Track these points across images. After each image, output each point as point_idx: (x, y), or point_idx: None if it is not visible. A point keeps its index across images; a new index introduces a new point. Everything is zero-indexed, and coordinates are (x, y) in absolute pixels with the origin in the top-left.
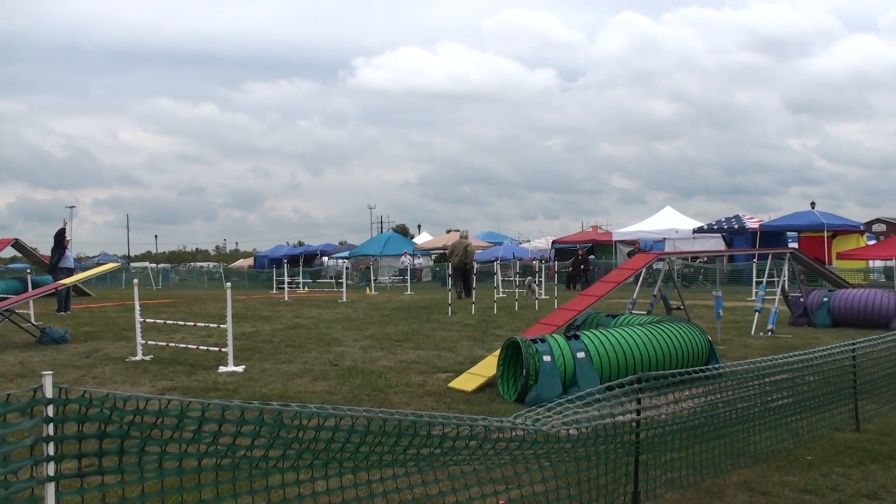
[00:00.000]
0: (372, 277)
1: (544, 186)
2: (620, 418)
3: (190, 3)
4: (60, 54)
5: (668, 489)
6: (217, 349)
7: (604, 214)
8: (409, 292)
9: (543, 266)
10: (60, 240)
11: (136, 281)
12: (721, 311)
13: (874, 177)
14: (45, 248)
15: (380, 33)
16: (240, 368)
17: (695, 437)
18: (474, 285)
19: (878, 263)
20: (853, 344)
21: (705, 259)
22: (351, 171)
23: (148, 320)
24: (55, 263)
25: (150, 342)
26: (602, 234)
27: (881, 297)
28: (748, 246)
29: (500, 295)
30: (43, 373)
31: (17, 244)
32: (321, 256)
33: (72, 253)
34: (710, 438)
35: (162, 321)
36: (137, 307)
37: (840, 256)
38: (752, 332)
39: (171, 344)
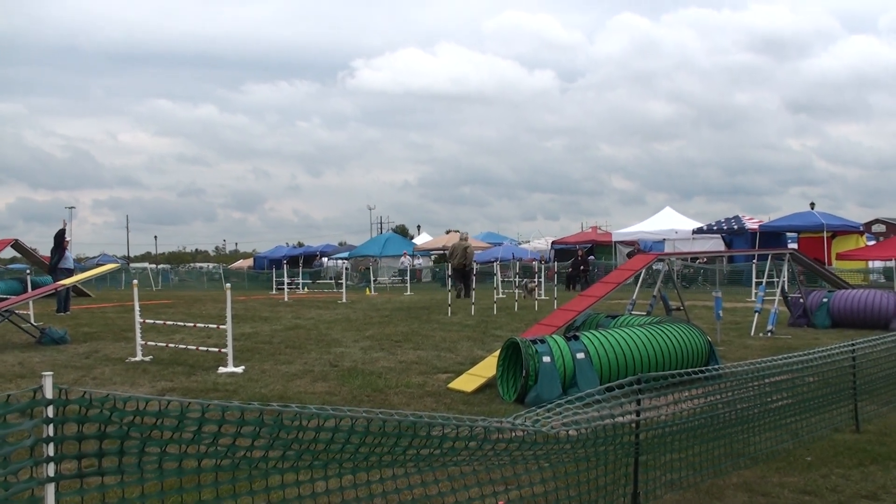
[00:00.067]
0: (371, 278)
1: (544, 187)
2: (620, 419)
3: (190, 3)
4: (60, 55)
5: (667, 490)
6: (217, 350)
7: (603, 215)
8: (408, 293)
9: (543, 267)
10: (60, 240)
11: (135, 282)
12: (721, 311)
13: (874, 177)
14: (44, 249)
15: (379, 34)
16: (239, 369)
17: (694, 438)
18: (474, 286)
19: (878, 264)
20: (853, 345)
21: (705, 260)
22: (351, 173)
23: (147, 321)
24: (55, 264)
25: (149, 343)
26: (602, 235)
27: (881, 298)
28: (748, 247)
29: (500, 296)
30: (43, 373)
31: (16, 245)
32: (321, 257)
33: (71, 254)
34: (710, 439)
35: (161, 322)
36: (137, 308)
37: (840, 257)
38: (752, 333)
39: (171, 345)
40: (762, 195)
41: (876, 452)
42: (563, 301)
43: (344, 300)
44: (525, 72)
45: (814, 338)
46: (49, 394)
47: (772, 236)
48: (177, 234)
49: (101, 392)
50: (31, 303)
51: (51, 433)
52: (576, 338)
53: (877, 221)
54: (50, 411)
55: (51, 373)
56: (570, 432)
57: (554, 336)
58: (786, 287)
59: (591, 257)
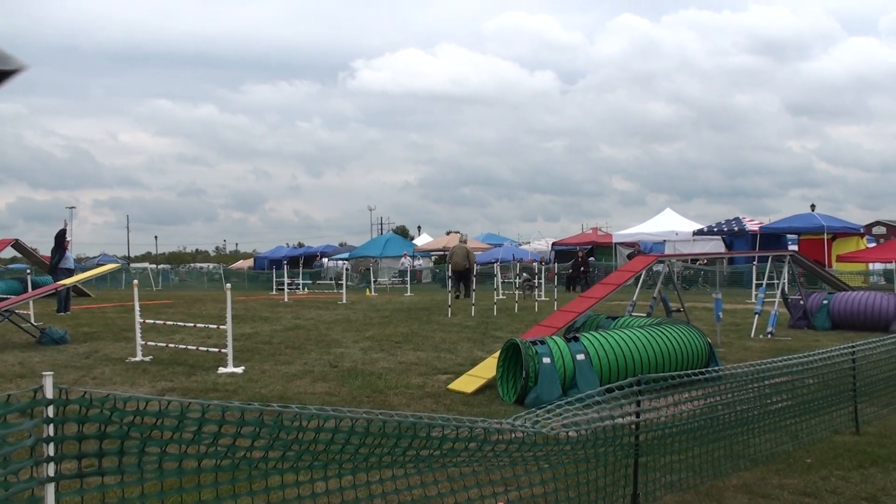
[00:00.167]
0: (372, 279)
1: (544, 188)
2: (620, 420)
3: (190, 3)
4: (60, 55)
5: (667, 491)
6: (217, 350)
7: (604, 216)
8: (408, 294)
9: (543, 268)
10: (61, 240)
11: (135, 282)
12: (721, 313)
13: (874, 179)
14: (45, 249)
15: (379, 35)
16: (239, 369)
17: (694, 440)
18: (474, 287)
19: (878, 266)
20: (853, 347)
21: (705, 261)
22: (351, 173)
23: (148, 321)
24: (55, 264)
25: (149, 343)
26: (602, 236)
27: (881, 300)
28: (748, 248)
29: (500, 297)
30: (43, 373)
31: (17, 245)
32: (321, 258)
33: (72, 254)
34: (710, 441)
35: (162, 322)
36: (137, 308)
37: (840, 259)
38: (752, 335)
39: (171, 345)
40: (762, 197)
41: (876, 454)
42: (563, 302)
43: (344, 301)
44: (525, 73)
45: (814, 339)
46: (49, 394)
47: (772, 238)
48: (177, 234)
49: (102, 392)
50: (31, 303)
51: (51, 433)
52: (576, 339)
53: (877, 223)
54: (50, 411)
55: (51, 373)
56: (570, 433)
57: (554, 337)
58: (786, 289)
59: (592, 258)
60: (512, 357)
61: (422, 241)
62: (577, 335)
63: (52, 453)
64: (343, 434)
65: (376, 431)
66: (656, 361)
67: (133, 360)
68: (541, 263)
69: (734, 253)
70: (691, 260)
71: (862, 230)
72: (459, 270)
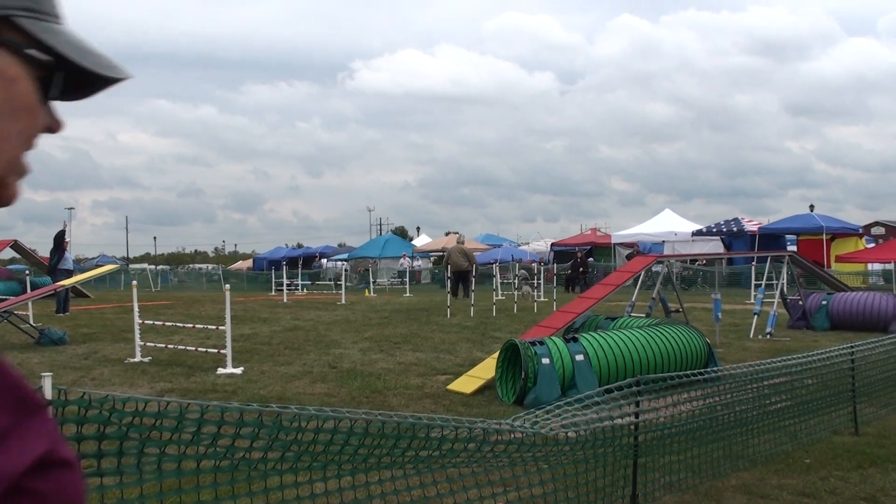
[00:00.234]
0: (371, 279)
1: (544, 189)
2: (619, 421)
3: (190, 3)
4: None
5: (666, 492)
6: (216, 351)
7: (603, 217)
8: (407, 294)
9: (542, 268)
10: (60, 241)
11: (134, 282)
12: (720, 313)
13: (873, 180)
14: (44, 250)
15: (379, 35)
16: (238, 370)
17: (693, 440)
18: (473, 287)
19: (877, 266)
20: (852, 347)
21: (704, 262)
22: (351, 174)
23: (146, 322)
24: (54, 265)
25: (148, 344)
26: (601, 237)
27: (880, 301)
28: (747, 249)
29: (500, 297)
30: (42, 374)
31: (16, 245)
32: (320, 258)
33: (71, 255)
34: (709, 441)
35: (161, 323)
36: (136, 309)
37: (839, 259)
38: (751, 335)
39: (170, 346)
40: (762, 197)
41: (875, 455)
42: (562, 303)
43: (343, 301)
44: (525, 73)
45: (813, 340)
46: (48, 394)
47: (771, 238)
48: (176, 234)
49: (101, 393)
50: (30, 303)
51: None
52: (575, 339)
53: (876, 224)
54: (49, 412)
55: (50, 374)
56: (569, 434)
57: (553, 338)
58: (785, 289)
59: (591, 259)
60: (511, 358)
61: (421, 241)
62: (576, 336)
63: None
64: (342, 435)
65: (375, 432)
66: (655, 362)
67: (132, 360)
68: (540, 264)
69: (733, 253)
70: (690, 260)
71: (861, 231)
72: (459, 271)
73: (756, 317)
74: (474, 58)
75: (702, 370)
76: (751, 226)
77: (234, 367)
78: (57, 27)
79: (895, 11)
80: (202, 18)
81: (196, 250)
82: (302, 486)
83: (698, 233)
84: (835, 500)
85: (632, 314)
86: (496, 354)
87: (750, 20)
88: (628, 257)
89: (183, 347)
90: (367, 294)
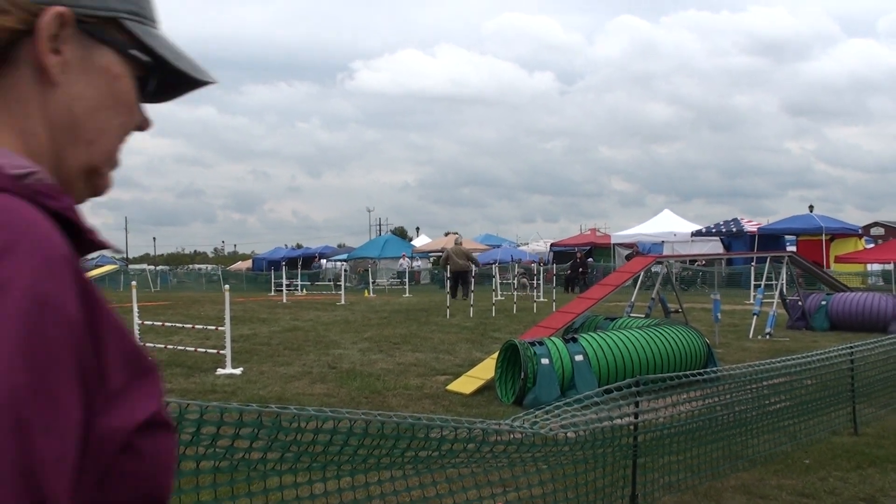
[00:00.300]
0: (370, 280)
1: (543, 189)
2: (618, 421)
3: (190, 3)
4: None
5: (665, 492)
6: (215, 351)
7: (602, 217)
8: (407, 295)
9: (542, 269)
10: None
11: (134, 283)
12: (719, 314)
13: (873, 180)
14: None
15: (378, 36)
16: (238, 371)
17: (692, 441)
18: (472, 288)
19: (877, 267)
20: (851, 347)
21: (703, 262)
22: (350, 174)
23: (146, 322)
24: None
25: (147, 344)
26: (601, 237)
27: (879, 301)
28: (746, 249)
29: (499, 297)
30: None
31: None
32: (319, 259)
33: None
34: (708, 442)
35: (160, 323)
36: (136, 309)
37: (838, 260)
38: (750, 336)
39: (169, 346)
40: (761, 198)
41: (874, 455)
42: (562, 303)
43: (342, 302)
44: (525, 73)
45: (812, 340)
46: None
47: (770, 239)
48: (175, 235)
49: None
50: None
51: None
52: (574, 340)
53: (875, 224)
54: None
55: None
56: (569, 434)
57: (552, 338)
58: (784, 290)
59: (590, 259)
60: (510, 358)
61: (420, 242)
62: (575, 336)
63: None
64: (341, 435)
65: (375, 433)
66: (655, 362)
67: None
68: (539, 264)
69: (733, 254)
70: (690, 261)
71: (860, 231)
72: (458, 271)
73: (755, 317)
74: (474, 58)
75: (701, 370)
76: (750, 226)
77: (234, 367)
78: (155, 31)
79: (894, 12)
80: (202, 18)
81: (195, 251)
82: (301, 487)
83: (698, 233)
84: (834, 500)
85: (631, 314)
86: (495, 355)
87: (750, 21)
88: (628, 258)
89: (182, 348)
90: (366, 294)
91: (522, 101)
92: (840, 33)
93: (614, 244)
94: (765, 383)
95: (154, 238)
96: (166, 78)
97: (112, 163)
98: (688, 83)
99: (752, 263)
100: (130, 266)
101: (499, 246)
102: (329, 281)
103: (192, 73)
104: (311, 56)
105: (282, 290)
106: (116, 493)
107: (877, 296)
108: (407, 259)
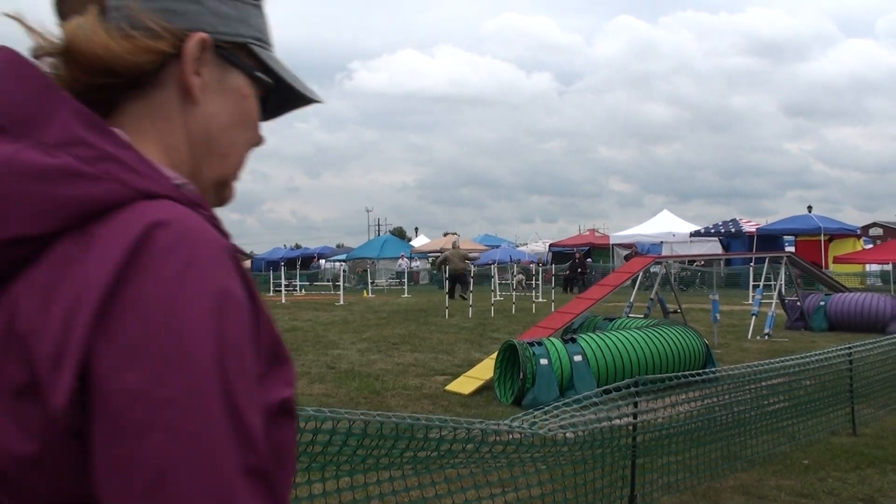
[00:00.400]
0: (369, 280)
1: (542, 189)
2: (617, 422)
3: None
4: None
5: (664, 493)
6: None
7: (601, 218)
8: (406, 295)
9: (541, 269)
10: None
11: None
12: (718, 314)
13: (872, 181)
14: None
15: (378, 36)
16: None
17: (691, 441)
18: (471, 288)
19: (875, 267)
20: (850, 348)
21: (702, 262)
22: (349, 174)
23: None
24: None
25: None
26: (599, 238)
27: (878, 301)
28: (745, 249)
29: (498, 298)
30: None
31: None
32: (318, 259)
33: None
34: (707, 442)
35: None
36: None
37: (837, 260)
38: (749, 336)
39: None
40: (759, 198)
41: (873, 456)
42: (561, 304)
43: (341, 302)
44: (523, 74)
45: (811, 341)
46: None
47: (769, 239)
48: None
49: None
50: None
51: None
52: (573, 340)
53: (874, 225)
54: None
55: None
56: (568, 435)
57: (551, 338)
58: (783, 290)
59: (589, 260)
60: (509, 358)
61: (419, 242)
62: (574, 336)
63: None
64: (340, 435)
65: (374, 433)
66: (653, 363)
67: None
68: (538, 265)
69: (731, 254)
70: (688, 261)
71: (859, 232)
72: (456, 273)
73: (754, 317)
74: (473, 58)
75: (700, 371)
76: (749, 227)
77: None
78: (273, 55)
79: (893, 13)
80: None
81: None
82: (300, 487)
83: (696, 234)
84: (833, 500)
85: (630, 315)
86: (494, 355)
87: (748, 21)
88: (626, 258)
89: None
90: (365, 295)
91: (521, 102)
92: (838, 34)
93: (613, 245)
94: (763, 384)
95: None
96: (281, 97)
97: (237, 175)
98: (686, 84)
99: (751, 264)
100: None
101: (498, 246)
102: (328, 281)
103: (306, 93)
104: (310, 56)
105: (280, 291)
106: None
107: (875, 296)
108: (406, 259)
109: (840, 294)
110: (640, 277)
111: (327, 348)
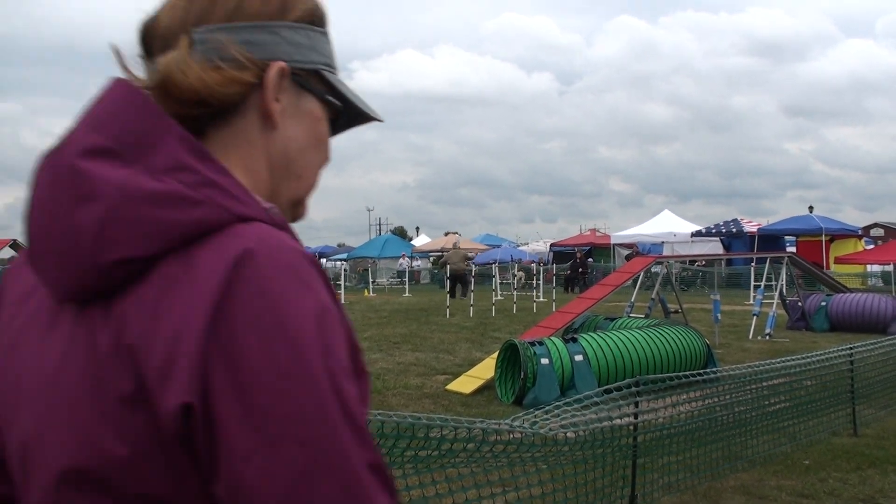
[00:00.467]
0: (370, 279)
1: (542, 189)
2: (618, 421)
3: None
4: (60, 55)
5: (665, 493)
6: None
7: (602, 218)
8: (407, 294)
9: (541, 269)
10: None
11: None
12: (719, 314)
13: (872, 181)
14: None
15: (377, 36)
16: None
17: (692, 441)
18: (472, 287)
19: (876, 268)
20: (851, 348)
21: (703, 263)
22: (350, 174)
23: None
24: None
25: None
26: (600, 238)
27: (879, 302)
28: (746, 250)
29: (499, 297)
30: None
31: (15, 245)
32: (319, 258)
33: None
34: (708, 442)
35: None
36: None
37: (838, 261)
38: (750, 336)
39: None
40: (760, 198)
41: (874, 456)
42: (562, 303)
43: (342, 301)
44: (523, 74)
45: (812, 341)
46: None
47: (770, 240)
48: None
49: None
50: None
51: None
52: (574, 340)
53: (875, 225)
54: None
55: None
56: (569, 434)
57: (552, 338)
58: (784, 290)
59: (590, 260)
60: (510, 358)
61: (420, 241)
62: (575, 336)
63: None
64: None
65: (374, 432)
66: (654, 363)
67: None
68: (539, 265)
69: (732, 254)
70: (689, 261)
71: (860, 232)
72: (457, 273)
73: (755, 318)
74: (473, 58)
75: (701, 371)
76: (750, 227)
77: None
78: (340, 79)
79: (893, 13)
80: None
81: None
82: None
83: (697, 234)
84: (833, 501)
85: (631, 315)
86: (495, 354)
87: (748, 21)
88: (627, 258)
89: None
90: (366, 294)
91: (521, 102)
92: (838, 34)
93: (614, 244)
94: (764, 384)
95: None
96: (345, 118)
97: (311, 194)
98: (686, 84)
99: (752, 264)
100: None
101: (498, 246)
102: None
103: (370, 112)
104: None
105: None
106: None
107: (876, 297)
108: (407, 259)
109: (841, 294)
110: (641, 277)
111: None
